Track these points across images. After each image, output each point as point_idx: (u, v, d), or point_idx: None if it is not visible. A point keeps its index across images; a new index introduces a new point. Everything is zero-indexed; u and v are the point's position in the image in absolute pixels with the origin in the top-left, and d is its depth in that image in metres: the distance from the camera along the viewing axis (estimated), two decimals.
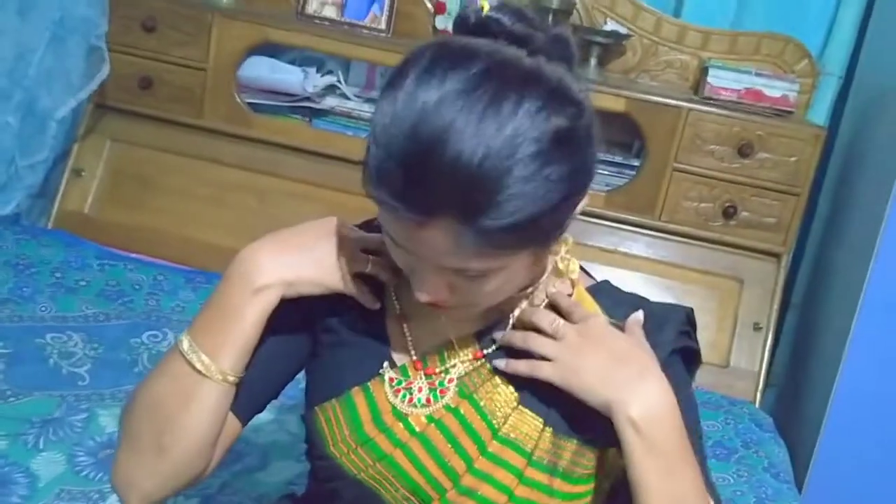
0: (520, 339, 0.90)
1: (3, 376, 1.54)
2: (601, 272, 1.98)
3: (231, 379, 0.91)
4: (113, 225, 2.19)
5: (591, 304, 0.97)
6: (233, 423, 0.97)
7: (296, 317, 0.96)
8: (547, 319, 0.90)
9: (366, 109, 2.25)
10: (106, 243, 2.11)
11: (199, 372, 0.90)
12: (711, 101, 2.07)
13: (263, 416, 1.15)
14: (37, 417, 1.44)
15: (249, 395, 0.97)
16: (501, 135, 0.74)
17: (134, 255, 2.09)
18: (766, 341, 2.06)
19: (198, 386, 0.90)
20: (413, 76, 0.77)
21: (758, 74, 2.08)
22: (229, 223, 2.17)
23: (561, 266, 0.95)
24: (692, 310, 0.97)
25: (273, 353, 0.97)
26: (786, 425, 2.01)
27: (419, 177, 0.75)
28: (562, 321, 0.90)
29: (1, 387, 1.51)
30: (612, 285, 1.00)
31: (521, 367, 0.90)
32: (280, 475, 1.43)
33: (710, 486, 0.92)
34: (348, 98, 2.26)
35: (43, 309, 1.80)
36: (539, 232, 0.80)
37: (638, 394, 0.85)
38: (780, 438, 1.89)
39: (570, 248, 0.95)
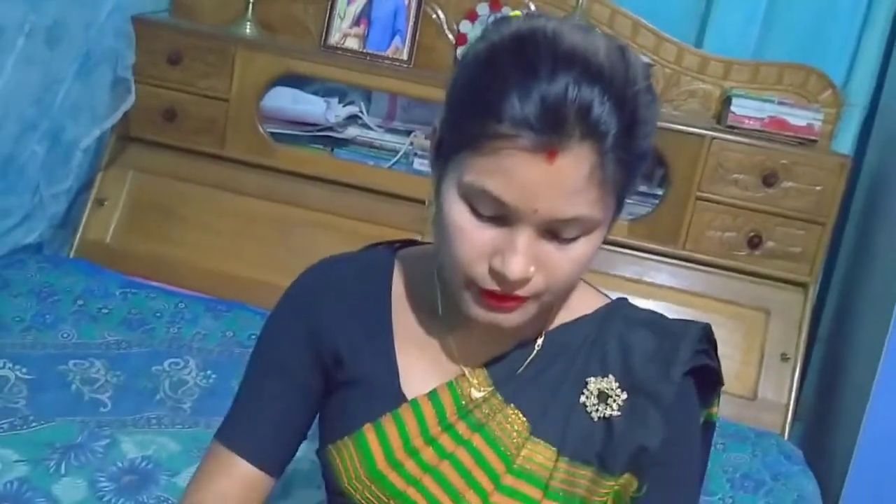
0: None
1: (26, 402, 1.54)
2: None
3: None
4: (135, 255, 2.19)
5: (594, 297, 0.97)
6: (264, 480, 0.96)
7: (307, 358, 0.96)
8: None
9: (387, 139, 2.26)
10: (127, 273, 2.10)
11: None
12: (735, 130, 2.07)
13: None
14: (59, 443, 1.43)
15: (276, 446, 0.97)
16: (625, 61, 0.78)
17: (156, 284, 2.09)
18: (794, 372, 2.03)
19: None
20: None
21: (781, 103, 2.07)
22: (251, 253, 2.17)
23: None
24: (709, 325, 0.94)
25: (292, 398, 0.96)
26: (815, 458, 1.97)
27: (569, 91, 0.74)
28: None
29: (23, 412, 1.50)
30: (627, 302, 0.98)
31: None
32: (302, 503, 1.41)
33: None
34: (370, 128, 2.27)
35: (65, 336, 1.80)
36: (637, 182, 0.82)
37: None
38: (809, 471, 1.84)
39: None
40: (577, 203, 0.77)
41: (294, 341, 0.96)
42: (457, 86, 0.83)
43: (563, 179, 0.76)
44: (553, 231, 0.80)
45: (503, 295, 0.82)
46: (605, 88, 0.75)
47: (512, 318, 0.85)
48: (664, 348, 0.91)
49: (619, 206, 0.84)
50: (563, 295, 0.88)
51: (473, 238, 0.81)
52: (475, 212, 0.80)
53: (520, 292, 0.82)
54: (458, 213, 0.81)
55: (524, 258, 0.79)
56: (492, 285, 0.81)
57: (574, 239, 0.81)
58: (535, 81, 0.75)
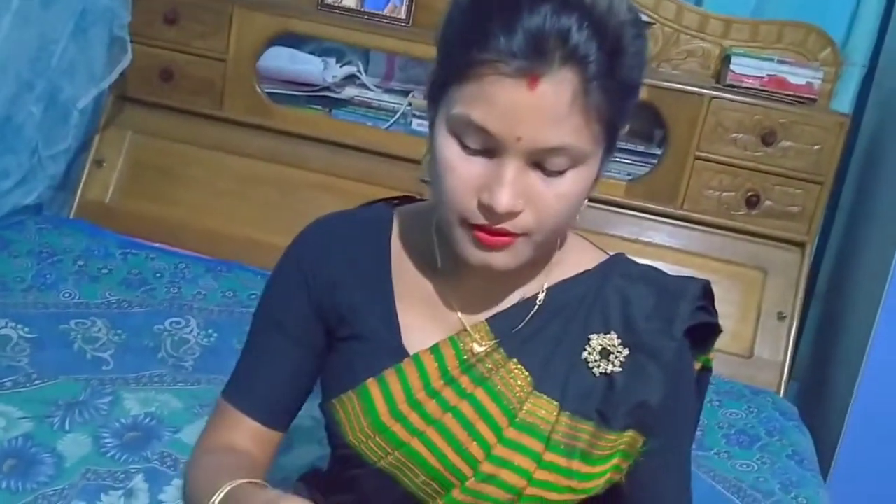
0: None
1: (29, 360, 1.55)
2: None
3: None
4: (134, 216, 2.20)
5: (593, 252, 0.98)
6: (271, 435, 1.00)
7: (310, 314, 0.97)
8: None
9: (385, 99, 2.25)
10: (127, 234, 2.11)
11: None
12: (734, 89, 2.06)
13: None
14: (62, 400, 1.44)
15: (281, 403, 0.99)
16: None
17: (156, 245, 2.10)
18: (790, 331, 2.04)
19: None
20: None
21: (781, 62, 2.07)
22: (249, 214, 2.18)
23: None
24: (709, 282, 0.96)
25: (296, 355, 0.98)
26: (811, 416, 2.00)
27: (548, 20, 0.76)
28: None
29: (27, 370, 1.51)
30: (625, 257, 0.99)
31: None
32: (303, 459, 1.43)
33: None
34: (368, 88, 2.26)
35: (66, 296, 1.80)
36: (625, 117, 0.83)
37: None
38: (804, 426, 1.87)
39: None
40: (561, 131, 0.79)
41: (296, 298, 0.98)
42: (447, 24, 0.85)
43: (545, 105, 0.77)
44: (539, 162, 0.81)
45: (494, 231, 0.83)
46: (584, 16, 0.77)
47: (503, 258, 0.86)
48: (664, 305, 0.92)
49: (610, 141, 0.84)
50: (553, 235, 0.88)
51: (462, 172, 0.82)
52: (463, 145, 0.82)
53: (509, 228, 0.83)
54: (448, 147, 0.83)
55: (511, 190, 0.80)
56: (482, 220, 0.83)
57: (562, 173, 0.82)
58: (518, 14, 0.77)
